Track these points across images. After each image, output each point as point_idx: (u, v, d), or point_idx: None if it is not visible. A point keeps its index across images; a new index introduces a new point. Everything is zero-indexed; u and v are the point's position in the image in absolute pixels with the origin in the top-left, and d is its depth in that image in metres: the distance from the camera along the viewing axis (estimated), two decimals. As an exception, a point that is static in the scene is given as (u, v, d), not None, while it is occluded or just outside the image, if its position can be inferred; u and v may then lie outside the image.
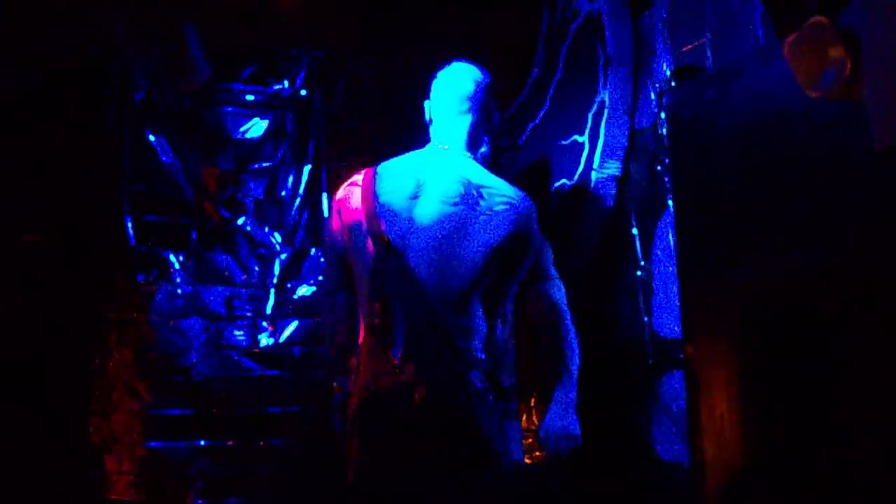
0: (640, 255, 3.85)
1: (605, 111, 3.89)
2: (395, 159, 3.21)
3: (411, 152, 3.24)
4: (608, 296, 4.06)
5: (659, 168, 3.71)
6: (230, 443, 4.53)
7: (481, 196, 2.96)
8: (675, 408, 3.58)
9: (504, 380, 3.39)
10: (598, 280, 4.10)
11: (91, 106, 4.51)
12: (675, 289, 3.58)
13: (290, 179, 4.86)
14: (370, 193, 3.05)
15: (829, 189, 2.65)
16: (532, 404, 4.74)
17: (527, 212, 3.05)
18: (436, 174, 3.03)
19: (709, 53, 3.50)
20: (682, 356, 3.45)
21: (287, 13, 4.71)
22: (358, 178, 3.19)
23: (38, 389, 4.15)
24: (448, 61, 3.45)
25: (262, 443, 4.56)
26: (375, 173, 3.15)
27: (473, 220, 2.92)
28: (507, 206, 2.98)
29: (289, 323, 4.75)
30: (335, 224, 3.20)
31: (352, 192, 3.15)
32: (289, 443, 4.52)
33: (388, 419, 2.89)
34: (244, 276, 4.74)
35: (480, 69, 3.30)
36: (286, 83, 4.90)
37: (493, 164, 3.38)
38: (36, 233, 4.31)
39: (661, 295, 3.72)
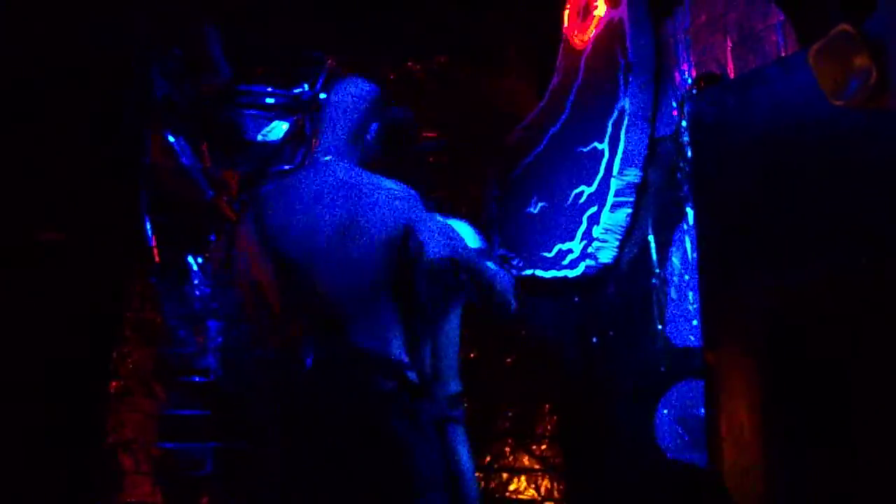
0: (655, 262, 3.85)
1: (626, 118, 3.89)
2: (278, 181, 3.24)
3: (293, 170, 3.27)
4: (622, 303, 4.07)
5: (679, 176, 3.71)
6: (243, 445, 4.52)
7: (362, 193, 2.97)
8: (688, 416, 3.58)
9: (445, 385, 3.40)
10: (613, 287, 4.11)
11: (111, 105, 4.52)
12: (689, 297, 3.59)
13: (309, 183, 4.87)
14: (261, 219, 3.07)
15: (853, 198, 2.64)
16: (546, 410, 4.76)
17: (410, 201, 3.05)
18: (316, 184, 3.04)
19: (730, 61, 3.51)
20: (695, 365, 3.45)
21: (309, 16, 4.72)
22: (247, 211, 3.21)
23: (55, 388, 4.16)
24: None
25: (275, 446, 4.56)
26: (261, 201, 3.16)
27: (360, 218, 2.92)
28: (390, 198, 2.98)
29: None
30: (242, 261, 3.21)
31: (247, 226, 3.17)
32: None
33: (299, 430, 2.89)
34: (261, 279, 4.75)
35: (364, 82, 3.30)
36: (306, 86, 4.91)
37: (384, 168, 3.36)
38: (55, 231, 4.32)
39: (676, 303, 3.72)
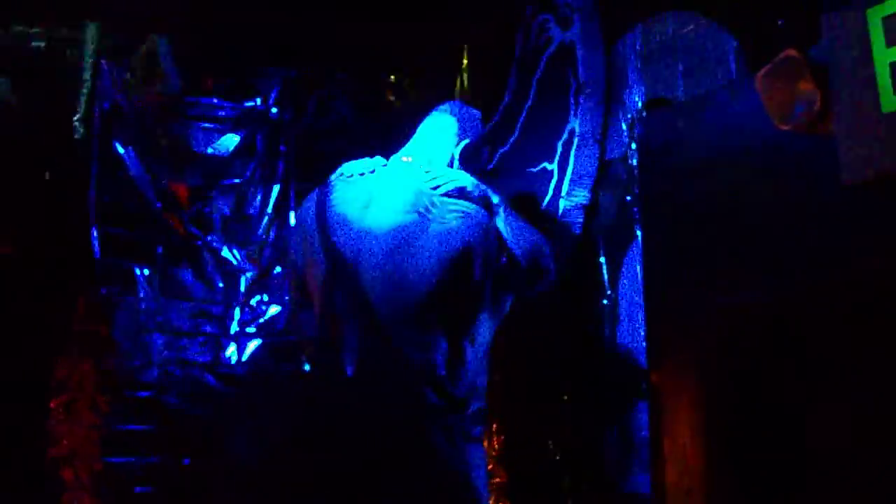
0: (606, 283, 3.86)
1: (576, 139, 3.90)
2: (349, 165, 3.17)
3: (368, 159, 3.21)
4: (573, 324, 4.06)
5: (629, 198, 3.73)
6: (186, 461, 4.48)
7: (433, 204, 2.91)
8: (636, 437, 3.58)
9: (472, 402, 3.36)
10: (564, 308, 4.11)
11: (59, 115, 4.47)
12: (640, 318, 3.60)
13: (259, 197, 4.84)
14: (323, 204, 3.00)
15: (797, 221, 2.67)
16: (493, 429, 4.74)
17: (485, 222, 2.98)
18: (389, 183, 2.99)
19: (681, 85, 3.53)
20: (645, 385, 3.46)
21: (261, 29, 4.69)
22: (316, 190, 3.16)
23: (-2, 399, 4.11)
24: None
25: (219, 462, 4.52)
26: (329, 183, 3.11)
27: (426, 230, 2.85)
28: (462, 216, 2.92)
29: (252, 341, 4.71)
30: (294, 240, 3.16)
31: (308, 205, 3.11)
32: (248, 462, 4.48)
33: (339, 435, 2.84)
34: (209, 293, 4.70)
35: (467, 107, 3.33)
36: (258, 100, 4.89)
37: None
38: (1, 243, 4.26)
39: (626, 324, 3.73)
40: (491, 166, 4.48)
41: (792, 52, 2.50)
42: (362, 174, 3.11)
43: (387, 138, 3.43)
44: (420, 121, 3.39)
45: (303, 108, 4.97)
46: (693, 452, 2.97)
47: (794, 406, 2.68)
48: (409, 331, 2.82)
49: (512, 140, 4.34)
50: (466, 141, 3.15)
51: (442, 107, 3.30)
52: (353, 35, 4.87)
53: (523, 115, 4.29)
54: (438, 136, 3.16)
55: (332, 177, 3.13)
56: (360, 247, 2.88)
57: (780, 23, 3.11)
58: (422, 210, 2.89)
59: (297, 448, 2.96)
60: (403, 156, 3.12)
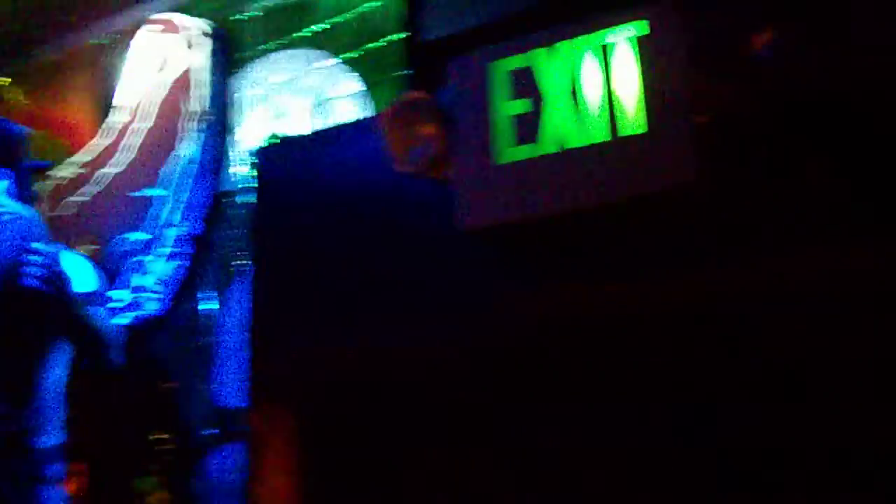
0: (211, 319, 3.75)
1: (192, 167, 3.79)
2: None
3: None
4: (175, 357, 3.92)
5: (244, 232, 3.65)
6: None
7: None
8: (231, 479, 3.48)
9: (43, 438, 3.10)
10: (167, 340, 3.95)
11: None
12: (241, 358, 3.50)
13: None
14: None
15: (414, 265, 2.67)
16: (79, 472, 4.47)
17: (29, 221, 2.84)
18: None
19: (305, 120, 3.51)
20: (243, 427, 3.37)
21: None
22: None
23: None
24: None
25: None
26: None
27: None
28: (12, 217, 2.77)
29: None
30: None
31: None
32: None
33: None
34: None
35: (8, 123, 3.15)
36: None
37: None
38: None
39: (227, 364, 3.63)
40: (101, 188, 4.26)
41: (416, 95, 2.50)
42: None
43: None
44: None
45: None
46: (286, 495, 2.90)
47: (397, 453, 2.67)
48: None
49: (127, 161, 4.15)
50: None
51: None
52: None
53: (142, 137, 4.12)
54: None
55: None
56: None
57: (409, 72, 3.15)
58: None
59: None
60: None
